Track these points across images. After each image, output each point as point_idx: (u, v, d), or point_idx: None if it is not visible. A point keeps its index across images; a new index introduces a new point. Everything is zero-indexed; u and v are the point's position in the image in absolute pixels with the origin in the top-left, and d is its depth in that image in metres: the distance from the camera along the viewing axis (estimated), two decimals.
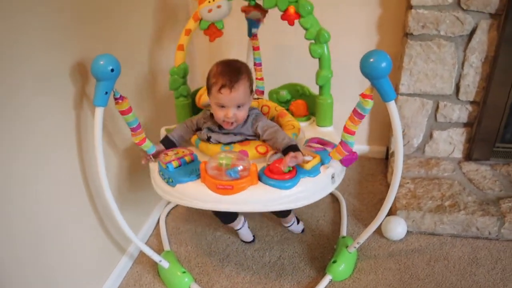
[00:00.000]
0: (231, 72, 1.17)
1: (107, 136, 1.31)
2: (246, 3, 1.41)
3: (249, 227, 1.58)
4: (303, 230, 1.61)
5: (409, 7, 1.61)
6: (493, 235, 1.50)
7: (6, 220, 0.94)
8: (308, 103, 1.53)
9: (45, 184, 1.06)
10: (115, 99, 1.09)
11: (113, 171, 1.37)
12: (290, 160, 1.05)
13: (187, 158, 1.19)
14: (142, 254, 1.50)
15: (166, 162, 1.15)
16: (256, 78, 1.70)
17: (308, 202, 1.12)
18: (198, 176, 1.12)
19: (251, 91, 1.24)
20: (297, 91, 1.56)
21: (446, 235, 1.55)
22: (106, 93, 1.06)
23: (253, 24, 1.60)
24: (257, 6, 1.41)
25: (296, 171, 1.10)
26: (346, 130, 1.06)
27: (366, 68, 0.95)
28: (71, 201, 1.17)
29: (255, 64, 1.69)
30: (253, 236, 1.58)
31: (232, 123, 1.21)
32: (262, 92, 1.70)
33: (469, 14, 1.57)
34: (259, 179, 1.09)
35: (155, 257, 1.37)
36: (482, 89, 1.70)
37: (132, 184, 1.48)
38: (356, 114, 1.02)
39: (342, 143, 1.08)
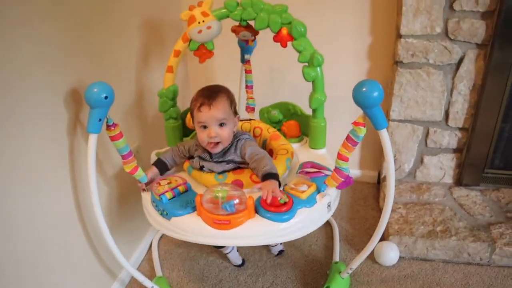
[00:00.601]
0: (209, 91, 1.21)
1: (98, 161, 1.30)
2: (237, 24, 1.38)
3: (238, 251, 1.57)
4: (280, 252, 1.61)
5: (399, 36, 1.66)
6: (485, 261, 1.51)
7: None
8: (300, 123, 1.53)
9: (37, 208, 1.05)
10: (108, 126, 1.10)
11: (104, 195, 1.36)
12: (267, 194, 1.05)
13: (180, 188, 1.17)
14: (133, 279, 1.48)
15: (160, 194, 1.14)
16: (248, 98, 1.71)
17: (305, 233, 1.12)
18: (194, 209, 1.11)
19: (235, 112, 1.25)
20: (289, 110, 1.56)
21: (438, 261, 1.55)
22: (100, 120, 1.06)
23: (245, 50, 1.62)
24: (248, 27, 1.39)
25: (293, 202, 1.09)
26: (340, 157, 1.07)
27: (359, 97, 0.97)
28: (62, 225, 1.16)
29: (246, 87, 1.71)
30: (242, 259, 1.57)
31: (217, 143, 1.20)
32: (253, 109, 1.70)
33: (456, 44, 1.62)
34: (256, 211, 1.08)
35: (147, 283, 1.35)
36: (471, 116, 1.74)
37: (124, 209, 1.47)
38: (350, 141, 1.03)
39: (337, 169, 1.09)
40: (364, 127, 1.00)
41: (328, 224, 1.79)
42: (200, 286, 1.48)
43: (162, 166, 1.28)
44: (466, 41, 1.61)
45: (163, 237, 1.74)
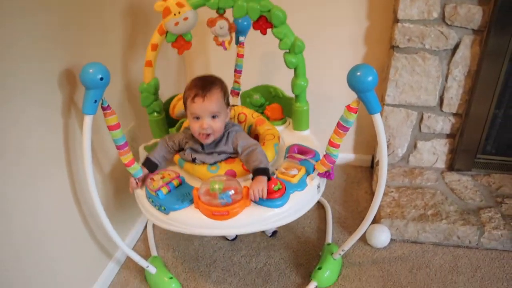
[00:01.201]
0: (204, 83, 1.20)
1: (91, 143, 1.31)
2: (214, 12, 1.31)
3: None
4: (274, 233, 1.64)
5: (396, 20, 1.66)
6: (473, 244, 1.55)
7: None
8: (282, 105, 1.54)
9: (33, 190, 1.06)
10: (103, 108, 1.09)
11: (99, 177, 1.37)
12: (253, 195, 1.07)
13: (175, 182, 1.18)
14: (129, 259, 1.51)
15: (156, 190, 1.14)
16: (234, 82, 1.70)
17: (299, 215, 1.15)
18: (191, 202, 1.12)
19: (227, 104, 1.24)
20: (270, 93, 1.57)
21: (428, 243, 1.59)
22: (95, 101, 1.06)
23: (240, 32, 1.61)
24: (225, 17, 1.34)
25: (285, 188, 1.12)
26: (331, 143, 1.08)
27: (353, 81, 0.98)
28: (58, 206, 1.17)
29: (235, 71, 1.69)
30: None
31: (208, 135, 1.19)
32: (238, 94, 1.69)
33: (453, 29, 1.62)
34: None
35: (142, 262, 1.37)
36: (465, 101, 1.75)
37: (119, 189, 1.49)
38: (340, 127, 1.04)
39: (326, 155, 1.11)
40: (356, 113, 1.01)
41: (321, 206, 1.81)
42: (194, 266, 1.51)
43: (151, 165, 1.26)
44: (463, 27, 1.61)
45: None
